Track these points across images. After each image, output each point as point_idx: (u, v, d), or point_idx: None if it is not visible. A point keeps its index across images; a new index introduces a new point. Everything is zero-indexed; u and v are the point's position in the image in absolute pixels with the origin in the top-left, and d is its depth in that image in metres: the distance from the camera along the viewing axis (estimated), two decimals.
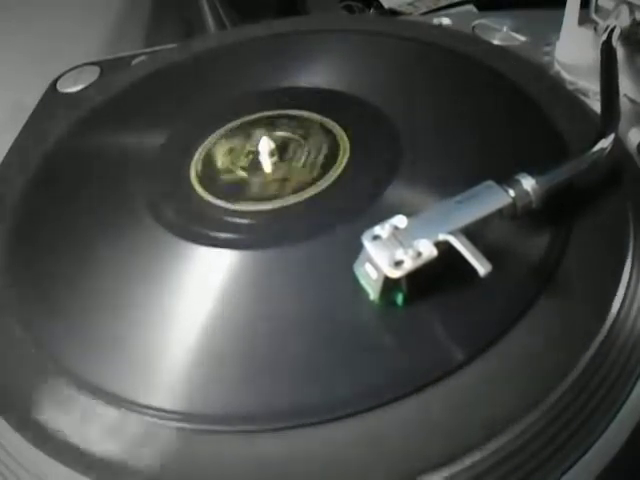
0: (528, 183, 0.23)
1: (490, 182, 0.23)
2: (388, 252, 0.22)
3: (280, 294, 0.24)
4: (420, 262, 0.21)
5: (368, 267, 0.22)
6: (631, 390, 0.22)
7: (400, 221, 0.22)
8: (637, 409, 0.22)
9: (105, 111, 0.36)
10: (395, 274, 0.21)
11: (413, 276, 0.22)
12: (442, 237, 0.22)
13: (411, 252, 0.21)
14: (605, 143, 0.25)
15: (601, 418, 0.21)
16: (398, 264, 0.21)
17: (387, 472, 0.19)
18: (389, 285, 0.22)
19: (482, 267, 0.21)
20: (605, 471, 0.20)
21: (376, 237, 0.22)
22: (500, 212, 0.23)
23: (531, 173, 0.24)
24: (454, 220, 0.22)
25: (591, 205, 0.26)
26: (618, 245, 0.24)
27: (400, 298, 0.22)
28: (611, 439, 0.21)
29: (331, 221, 0.26)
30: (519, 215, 0.23)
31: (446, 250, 0.22)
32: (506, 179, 0.24)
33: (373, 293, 0.23)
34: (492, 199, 0.23)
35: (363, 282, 0.23)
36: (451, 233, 0.22)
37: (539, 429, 0.20)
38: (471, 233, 0.22)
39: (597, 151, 0.25)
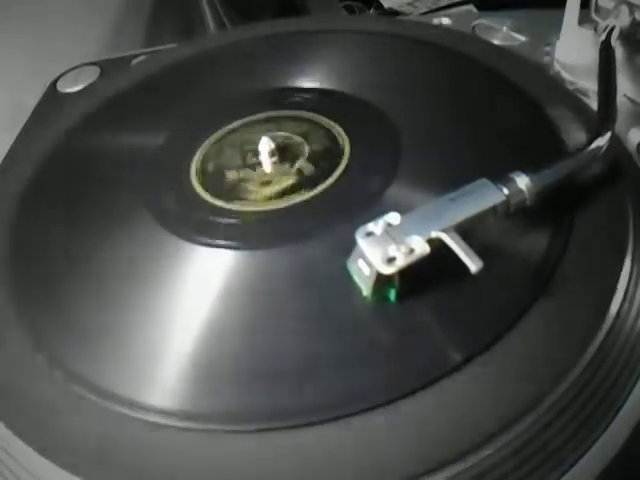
0: (522, 181, 0.23)
1: (484, 180, 0.23)
2: (381, 249, 0.22)
3: (278, 295, 0.24)
4: (412, 259, 0.21)
5: (361, 263, 0.22)
6: (631, 390, 0.22)
7: (393, 218, 0.22)
8: (637, 409, 0.22)
9: (105, 111, 0.36)
10: (387, 270, 0.21)
11: (406, 273, 0.22)
12: (434, 234, 0.22)
13: (404, 249, 0.21)
14: (601, 142, 0.25)
15: (601, 418, 0.21)
16: (391, 261, 0.21)
17: (386, 473, 0.19)
18: (381, 281, 0.22)
19: (473, 264, 0.21)
20: (605, 471, 0.20)
21: (369, 234, 0.22)
22: (494, 210, 0.23)
23: (526, 171, 0.24)
24: (447, 217, 0.22)
25: (591, 204, 0.26)
26: (618, 244, 0.24)
27: (392, 294, 0.23)
28: (611, 439, 0.21)
29: (331, 221, 0.26)
30: (513, 213, 0.23)
31: (440, 247, 0.22)
32: (501, 177, 0.24)
33: (366, 289, 0.23)
34: (486, 197, 0.23)
35: (356, 278, 0.23)
36: (443, 230, 0.22)
37: (539, 429, 0.20)
38: (468, 231, 0.22)
39: (593, 149, 0.25)
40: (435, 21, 0.42)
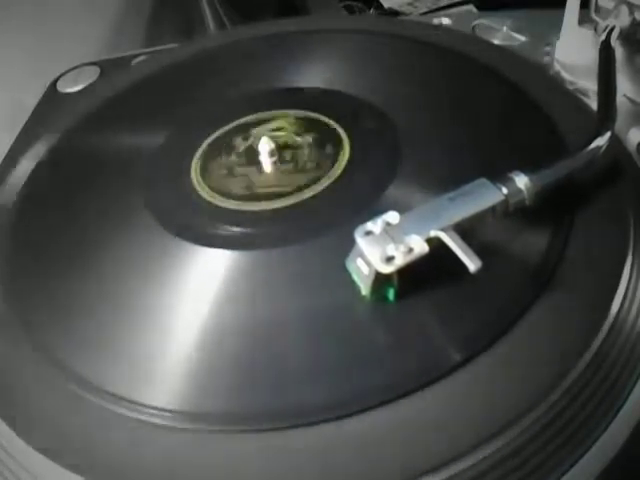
0: (521, 181, 0.23)
1: (483, 179, 0.23)
2: (380, 248, 0.22)
3: (278, 295, 0.24)
4: (411, 258, 0.21)
5: (360, 262, 0.22)
6: (631, 390, 0.22)
7: (392, 217, 0.22)
8: (637, 409, 0.21)
9: (105, 111, 0.36)
10: (386, 269, 0.21)
11: (404, 272, 0.22)
12: (433, 233, 0.22)
13: (402, 248, 0.21)
14: (601, 142, 0.25)
15: (601, 418, 0.21)
16: (389, 260, 0.21)
17: (387, 473, 0.19)
18: (380, 280, 0.22)
19: (472, 263, 0.21)
20: (605, 471, 0.20)
21: (368, 233, 0.22)
22: (493, 209, 0.23)
23: (525, 171, 0.24)
24: (446, 216, 0.22)
25: (591, 204, 0.26)
26: (618, 244, 0.24)
27: (391, 294, 0.23)
28: (611, 439, 0.21)
29: (330, 221, 0.26)
30: (512, 213, 0.23)
31: (439, 247, 0.22)
32: (500, 177, 0.24)
33: (364, 288, 0.23)
34: (485, 196, 0.23)
35: (355, 277, 0.23)
36: (442, 229, 0.22)
37: (539, 429, 0.20)
38: (467, 231, 0.22)
39: (592, 149, 0.25)
40: (435, 21, 0.42)
